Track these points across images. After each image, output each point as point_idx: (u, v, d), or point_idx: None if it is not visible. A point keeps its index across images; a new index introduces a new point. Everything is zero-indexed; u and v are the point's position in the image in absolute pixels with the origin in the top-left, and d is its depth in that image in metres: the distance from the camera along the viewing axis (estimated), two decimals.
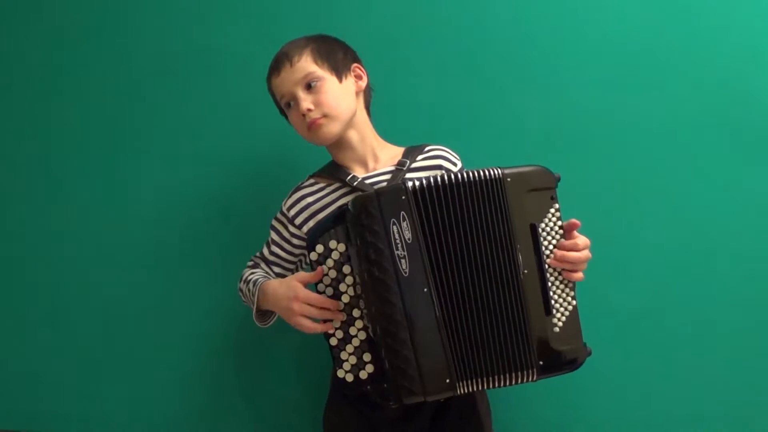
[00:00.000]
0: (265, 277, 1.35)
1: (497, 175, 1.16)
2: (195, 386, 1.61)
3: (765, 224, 1.50)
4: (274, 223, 1.39)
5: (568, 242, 1.20)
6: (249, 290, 1.32)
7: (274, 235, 1.38)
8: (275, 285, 1.26)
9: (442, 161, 1.34)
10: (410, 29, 1.58)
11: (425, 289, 1.15)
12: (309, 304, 1.18)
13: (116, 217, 1.65)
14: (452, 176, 1.16)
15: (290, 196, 1.36)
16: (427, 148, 1.36)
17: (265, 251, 1.39)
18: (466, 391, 1.17)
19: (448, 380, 1.15)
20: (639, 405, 1.52)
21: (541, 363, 1.17)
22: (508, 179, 1.16)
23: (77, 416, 1.64)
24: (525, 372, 1.17)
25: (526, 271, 1.17)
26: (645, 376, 1.51)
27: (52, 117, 1.68)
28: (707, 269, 1.51)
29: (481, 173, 1.16)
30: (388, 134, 1.41)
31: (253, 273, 1.36)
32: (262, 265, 1.39)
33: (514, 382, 1.18)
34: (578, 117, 1.54)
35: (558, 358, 1.18)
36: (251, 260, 1.42)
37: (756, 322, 1.49)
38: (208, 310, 1.61)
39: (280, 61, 1.30)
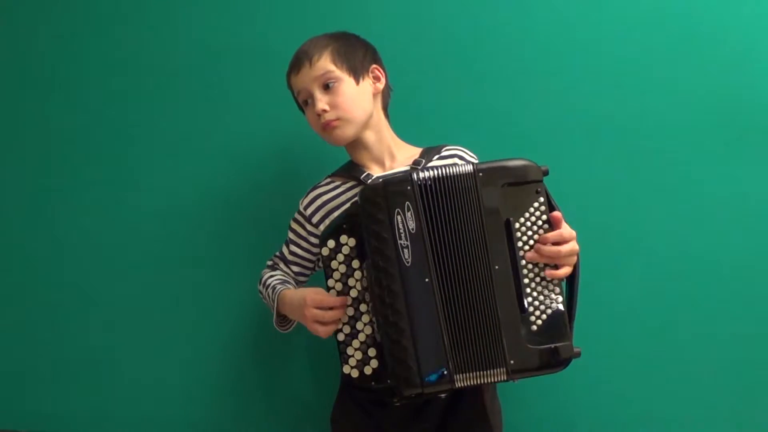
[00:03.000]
0: (282, 282, 1.36)
1: (468, 170, 1.16)
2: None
3: (764, 223, 1.48)
4: (292, 222, 1.41)
5: (548, 235, 1.16)
6: (269, 295, 1.35)
7: (292, 235, 1.40)
8: (290, 294, 1.30)
9: (458, 160, 1.33)
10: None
11: (426, 280, 1.14)
12: (319, 308, 1.20)
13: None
14: (441, 169, 1.16)
15: (307, 195, 1.38)
16: (444, 149, 1.36)
17: (285, 250, 1.41)
18: (463, 385, 1.14)
19: (445, 372, 1.12)
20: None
21: (512, 362, 1.13)
22: (480, 174, 1.15)
23: (79, 417, 1.63)
24: (495, 370, 1.14)
25: (497, 267, 1.14)
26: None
27: (54, 116, 1.67)
28: (707, 268, 1.49)
29: (456, 168, 1.16)
30: (409, 135, 1.42)
31: (272, 276, 1.38)
32: (281, 264, 1.41)
33: (484, 381, 1.14)
34: (581, 116, 1.53)
35: (533, 359, 1.14)
36: (270, 260, 1.44)
37: (756, 321, 1.47)
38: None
39: (300, 59, 1.32)
